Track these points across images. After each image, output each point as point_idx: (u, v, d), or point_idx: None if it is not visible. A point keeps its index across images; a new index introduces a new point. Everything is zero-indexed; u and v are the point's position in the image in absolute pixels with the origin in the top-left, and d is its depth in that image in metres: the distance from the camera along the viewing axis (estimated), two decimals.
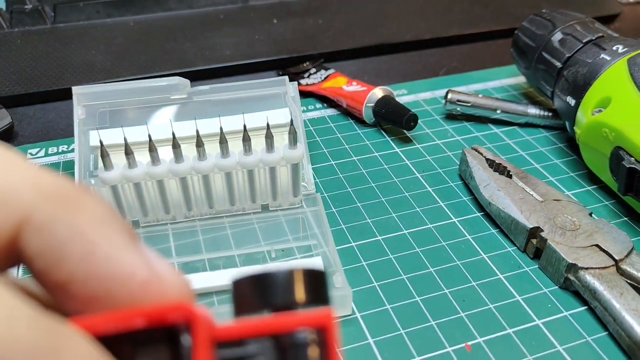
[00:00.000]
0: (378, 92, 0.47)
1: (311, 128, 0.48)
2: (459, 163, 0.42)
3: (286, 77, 0.41)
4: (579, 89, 0.41)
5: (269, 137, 0.36)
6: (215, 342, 0.14)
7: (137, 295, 0.14)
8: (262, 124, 0.37)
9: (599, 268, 0.32)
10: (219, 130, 0.37)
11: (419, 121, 0.46)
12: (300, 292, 0.14)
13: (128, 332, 0.13)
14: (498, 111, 0.47)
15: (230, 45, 0.58)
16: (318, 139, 0.47)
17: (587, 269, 0.32)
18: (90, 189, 0.14)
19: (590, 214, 0.36)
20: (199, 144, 0.36)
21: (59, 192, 0.14)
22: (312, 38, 0.59)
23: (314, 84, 0.53)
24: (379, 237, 0.37)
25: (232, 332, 0.14)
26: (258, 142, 0.38)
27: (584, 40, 0.43)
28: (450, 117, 0.49)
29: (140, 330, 0.13)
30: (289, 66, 0.57)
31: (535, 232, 0.35)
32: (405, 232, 0.37)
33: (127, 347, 0.14)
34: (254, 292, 0.15)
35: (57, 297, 0.14)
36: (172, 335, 0.14)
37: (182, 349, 0.13)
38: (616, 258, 0.32)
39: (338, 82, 0.52)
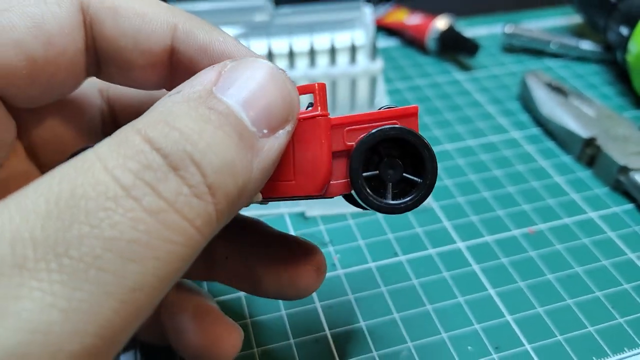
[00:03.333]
0: (441, 23, 0.51)
1: None
2: (519, 86, 0.46)
3: (362, 1, 0.45)
4: (632, 20, 0.44)
5: (352, 51, 0.41)
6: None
7: None
8: (342, 44, 0.42)
9: None
10: (304, 47, 0.41)
11: (478, 52, 0.50)
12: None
13: None
14: (552, 44, 0.51)
15: None
16: (384, 65, 0.51)
17: (636, 170, 0.36)
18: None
19: (639, 128, 0.40)
20: (291, 56, 0.41)
21: (191, 15, 0.21)
22: None
23: (377, 18, 0.57)
24: (447, 147, 0.42)
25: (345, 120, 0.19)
26: (340, 60, 0.42)
27: None
28: (507, 50, 0.53)
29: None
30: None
31: (590, 142, 0.39)
32: (469, 143, 0.42)
33: None
34: None
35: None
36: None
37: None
38: None
39: (400, 15, 0.56)
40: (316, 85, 0.19)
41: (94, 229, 0.13)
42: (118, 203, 0.14)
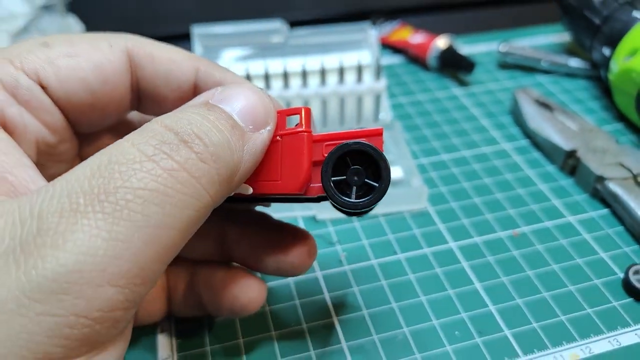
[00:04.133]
0: (441, 43, 0.56)
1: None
2: (510, 101, 0.51)
3: (368, 23, 0.50)
4: (614, 42, 0.49)
5: (359, 70, 0.46)
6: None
7: None
8: (350, 64, 0.47)
9: (620, 179, 0.40)
10: (316, 67, 0.46)
11: (475, 69, 0.54)
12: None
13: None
14: (543, 62, 0.56)
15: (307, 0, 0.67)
16: (389, 81, 0.56)
17: (611, 179, 0.40)
18: None
19: (617, 141, 0.44)
20: (304, 75, 0.46)
21: (210, 61, 0.27)
22: None
23: (382, 35, 0.62)
24: (444, 157, 0.46)
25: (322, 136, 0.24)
26: (348, 78, 0.47)
27: (621, 1, 0.51)
28: (502, 66, 0.58)
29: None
30: (356, 20, 0.65)
31: (571, 153, 0.43)
32: (464, 153, 0.47)
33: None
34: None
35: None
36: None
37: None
38: (634, 172, 0.41)
39: (404, 34, 0.60)
40: (302, 108, 0.24)
41: (125, 182, 0.18)
42: (142, 165, 0.19)
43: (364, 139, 0.24)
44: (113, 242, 0.18)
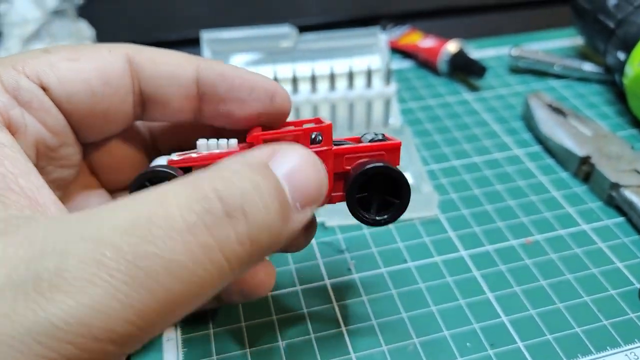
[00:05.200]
0: (452, 47, 0.55)
1: None
2: (522, 106, 0.50)
3: (378, 28, 0.49)
4: (629, 46, 0.48)
5: (369, 76, 0.45)
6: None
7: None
8: (359, 68, 0.46)
9: (636, 186, 0.39)
10: (326, 72, 0.45)
11: (486, 73, 0.54)
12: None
13: None
14: (556, 66, 0.55)
15: (316, 4, 0.67)
16: (398, 86, 0.55)
17: (626, 186, 0.40)
18: None
19: (632, 147, 0.43)
20: (313, 80, 0.45)
21: (209, 59, 0.28)
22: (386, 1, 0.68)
23: (392, 40, 0.61)
24: (454, 163, 0.46)
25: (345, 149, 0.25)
26: (357, 83, 0.46)
27: (636, 4, 0.50)
28: (514, 71, 0.57)
29: None
30: (366, 25, 0.65)
31: (585, 160, 0.43)
32: (475, 159, 0.46)
33: None
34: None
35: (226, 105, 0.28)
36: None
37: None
38: None
39: (414, 38, 0.60)
40: (324, 127, 0.25)
41: (157, 249, 0.18)
42: (181, 235, 0.18)
43: (383, 152, 0.25)
44: (126, 307, 0.17)
